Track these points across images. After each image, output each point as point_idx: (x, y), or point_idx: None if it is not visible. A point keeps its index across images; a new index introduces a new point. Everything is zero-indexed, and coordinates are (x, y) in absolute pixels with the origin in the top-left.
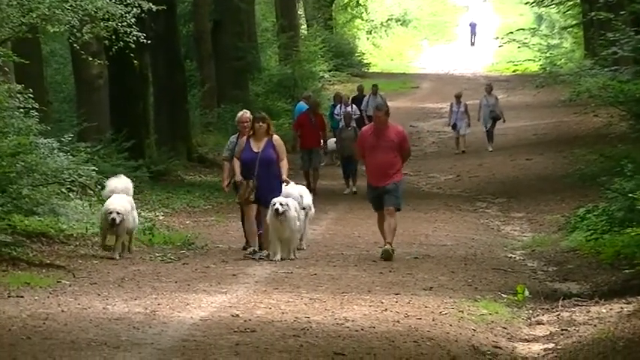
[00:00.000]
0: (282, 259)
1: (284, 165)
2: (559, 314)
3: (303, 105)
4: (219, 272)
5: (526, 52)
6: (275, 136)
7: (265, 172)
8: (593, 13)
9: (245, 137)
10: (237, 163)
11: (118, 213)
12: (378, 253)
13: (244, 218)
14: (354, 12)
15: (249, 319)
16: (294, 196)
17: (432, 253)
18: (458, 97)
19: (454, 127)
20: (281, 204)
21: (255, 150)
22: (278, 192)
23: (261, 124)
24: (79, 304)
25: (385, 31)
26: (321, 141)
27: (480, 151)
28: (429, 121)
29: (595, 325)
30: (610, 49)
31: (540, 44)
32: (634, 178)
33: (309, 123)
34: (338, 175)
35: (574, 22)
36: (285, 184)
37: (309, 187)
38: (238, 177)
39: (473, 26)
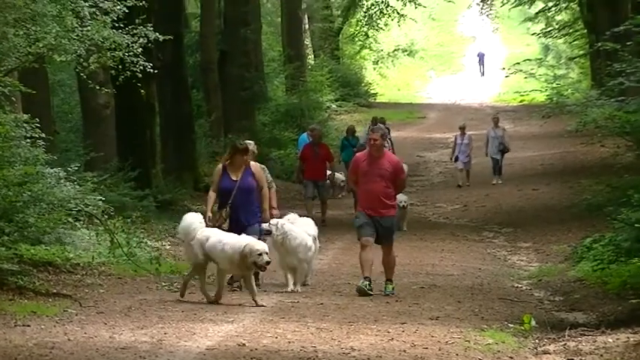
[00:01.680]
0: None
1: (265, 194)
2: (565, 344)
3: (305, 137)
4: (226, 301)
5: (533, 82)
6: (253, 163)
7: (244, 200)
8: (599, 44)
9: (220, 166)
10: (211, 197)
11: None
12: (382, 285)
13: None
14: (363, 43)
15: (256, 349)
16: (300, 223)
17: (438, 282)
18: (462, 129)
19: (456, 159)
20: (270, 224)
21: (234, 178)
22: (255, 219)
23: (245, 157)
24: (85, 333)
25: (392, 61)
26: (327, 172)
27: (487, 181)
28: (435, 151)
29: (601, 355)
30: (617, 80)
31: (547, 75)
32: None
33: (313, 155)
34: (344, 204)
35: (581, 53)
36: (262, 220)
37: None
38: (209, 212)
39: (481, 56)
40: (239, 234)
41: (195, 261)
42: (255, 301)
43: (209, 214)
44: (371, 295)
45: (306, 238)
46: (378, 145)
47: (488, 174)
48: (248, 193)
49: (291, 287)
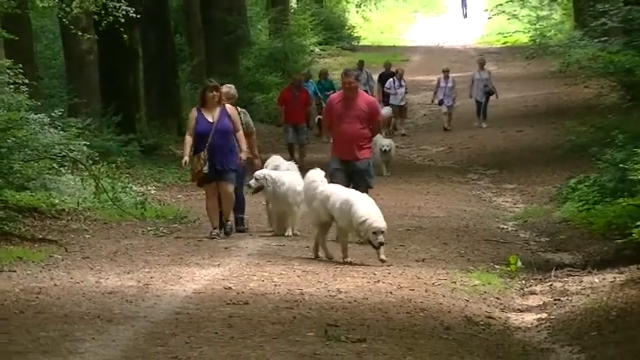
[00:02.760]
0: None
1: (241, 137)
2: (552, 284)
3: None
4: (212, 245)
5: (516, 23)
6: (228, 105)
7: (221, 143)
8: None
9: (194, 110)
10: (188, 140)
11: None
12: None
13: (206, 196)
14: None
15: (242, 292)
16: (283, 167)
17: (424, 224)
18: (446, 72)
19: (440, 102)
20: (256, 179)
21: (210, 120)
22: (234, 164)
23: (214, 93)
24: (71, 278)
25: (375, 4)
26: (307, 117)
27: (470, 123)
28: (419, 94)
29: (588, 295)
30: (600, 20)
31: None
32: (625, 149)
33: (293, 98)
34: (324, 148)
35: None
36: (241, 160)
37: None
38: (186, 156)
39: None
40: (217, 178)
41: (319, 220)
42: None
43: (185, 158)
44: None
45: (294, 183)
46: (354, 87)
47: (472, 116)
48: (225, 135)
49: (289, 232)
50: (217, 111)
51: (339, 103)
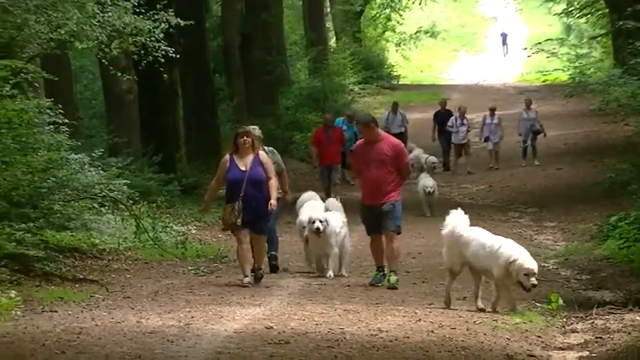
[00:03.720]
0: (325, 276)
1: (273, 185)
2: (593, 322)
3: (340, 121)
4: (253, 285)
5: (555, 62)
6: (261, 152)
7: (254, 193)
8: (621, 22)
9: (227, 155)
10: (213, 187)
11: None
12: (409, 266)
13: (237, 242)
14: (385, 25)
15: (283, 331)
16: (336, 207)
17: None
18: (492, 110)
19: (486, 139)
20: (320, 221)
21: (243, 168)
22: (267, 215)
23: (245, 138)
24: (112, 318)
25: (414, 43)
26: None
27: (511, 161)
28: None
29: (629, 333)
30: (639, 58)
31: (569, 54)
32: None
33: (327, 139)
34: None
35: (603, 32)
36: (271, 207)
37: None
38: (203, 209)
39: (504, 37)
40: (250, 226)
41: (452, 267)
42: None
43: (204, 205)
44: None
45: (334, 224)
46: (371, 133)
47: (513, 154)
48: (259, 185)
49: (329, 274)
50: (250, 158)
51: (363, 148)
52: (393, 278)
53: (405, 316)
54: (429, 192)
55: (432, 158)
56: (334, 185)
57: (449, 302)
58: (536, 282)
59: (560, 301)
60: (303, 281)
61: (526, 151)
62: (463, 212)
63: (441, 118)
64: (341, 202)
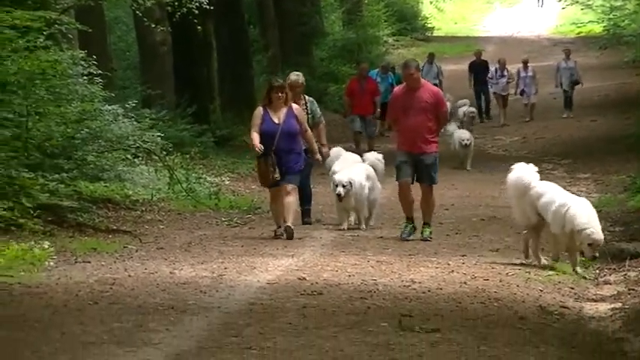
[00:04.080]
0: (348, 228)
1: (310, 137)
2: (626, 274)
3: (374, 73)
4: (275, 226)
5: (589, 14)
6: (294, 105)
7: (287, 146)
8: None
9: (260, 108)
10: (255, 137)
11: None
12: (442, 217)
13: (270, 198)
14: None
15: (316, 282)
16: (370, 161)
17: (498, 214)
18: (525, 62)
19: (522, 93)
20: (343, 185)
21: (276, 121)
22: (300, 167)
23: (279, 94)
24: (145, 269)
25: None
26: (374, 107)
27: (545, 112)
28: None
29: None
30: None
31: (604, 6)
32: None
33: (360, 89)
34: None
35: None
36: (324, 152)
37: (357, 152)
38: (258, 149)
39: None
40: (282, 179)
41: (528, 222)
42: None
43: (259, 145)
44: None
45: (359, 179)
46: (415, 78)
47: (547, 106)
48: (292, 137)
49: (362, 226)
50: (284, 111)
51: (402, 95)
52: (427, 231)
53: (437, 268)
54: (466, 144)
55: (471, 109)
56: (371, 138)
57: (526, 253)
58: (597, 254)
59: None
60: (336, 233)
61: (567, 100)
62: (532, 165)
63: (477, 68)
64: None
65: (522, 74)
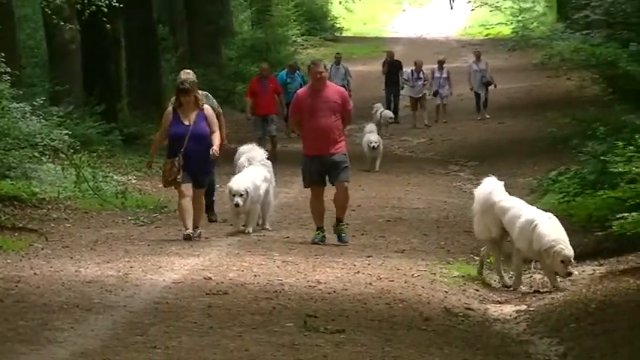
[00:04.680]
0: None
1: (217, 137)
2: (531, 276)
3: (283, 75)
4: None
5: (499, 15)
6: (206, 107)
7: (197, 148)
8: None
9: (170, 109)
10: (157, 139)
11: None
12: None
13: (179, 196)
14: None
15: (222, 282)
16: (258, 158)
17: (404, 216)
18: (441, 63)
19: (435, 94)
20: (240, 194)
21: (186, 123)
22: (209, 169)
23: (187, 97)
24: (51, 267)
25: None
26: (279, 107)
27: (453, 114)
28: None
29: (567, 288)
30: (582, 13)
31: (512, 8)
32: (606, 141)
33: (262, 89)
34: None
35: None
36: (213, 155)
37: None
38: (152, 155)
39: None
40: (191, 181)
41: (488, 236)
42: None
43: (150, 159)
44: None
45: (255, 180)
46: (324, 77)
47: (456, 108)
48: (202, 140)
49: (248, 229)
50: (195, 113)
51: (308, 97)
52: (342, 228)
53: (343, 269)
54: (374, 147)
55: (388, 112)
56: (272, 137)
57: (480, 271)
58: (573, 271)
59: None
60: (242, 233)
61: (479, 103)
62: (498, 181)
63: (390, 68)
64: (270, 157)
65: (437, 75)
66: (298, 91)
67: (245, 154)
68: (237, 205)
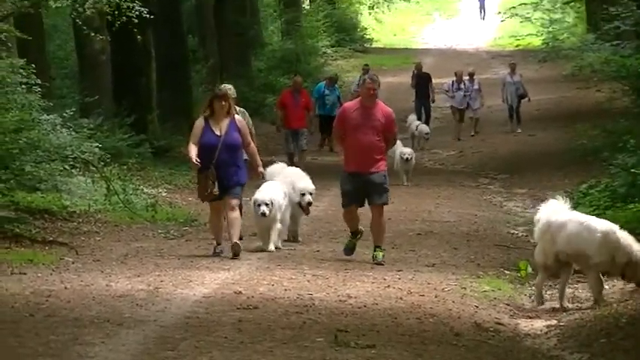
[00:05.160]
0: (267, 250)
1: (254, 150)
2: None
3: (322, 85)
4: (215, 243)
5: (529, 26)
6: (237, 117)
7: (228, 159)
8: None
9: (201, 119)
10: (193, 149)
11: None
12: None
13: (210, 214)
14: None
15: (252, 296)
16: (276, 176)
17: (434, 229)
18: (471, 75)
19: (467, 106)
20: (266, 204)
21: (218, 133)
22: (242, 180)
23: (223, 102)
24: (81, 281)
25: (388, 6)
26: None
27: (483, 126)
28: None
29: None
30: (612, 24)
31: (543, 19)
32: (636, 154)
33: (294, 102)
34: (324, 151)
35: None
36: (260, 177)
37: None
38: (195, 164)
39: (482, 1)
40: (224, 193)
41: (544, 261)
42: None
43: (195, 158)
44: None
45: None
46: (373, 95)
47: (485, 120)
48: (234, 150)
49: (270, 247)
50: (226, 123)
51: (355, 111)
52: (380, 254)
53: (373, 283)
54: (407, 159)
55: (425, 128)
56: (302, 151)
57: (540, 301)
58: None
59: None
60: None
61: (512, 115)
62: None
63: (418, 81)
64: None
65: (468, 86)
66: (345, 105)
67: (276, 173)
68: (263, 214)
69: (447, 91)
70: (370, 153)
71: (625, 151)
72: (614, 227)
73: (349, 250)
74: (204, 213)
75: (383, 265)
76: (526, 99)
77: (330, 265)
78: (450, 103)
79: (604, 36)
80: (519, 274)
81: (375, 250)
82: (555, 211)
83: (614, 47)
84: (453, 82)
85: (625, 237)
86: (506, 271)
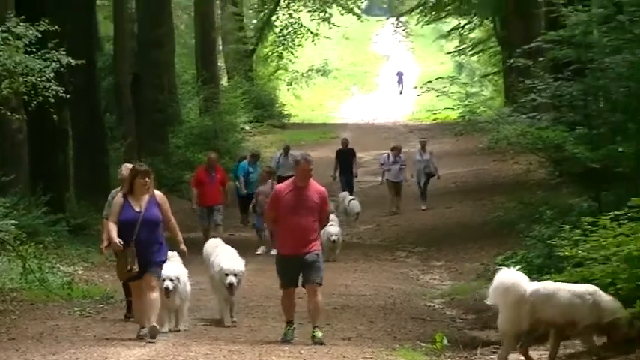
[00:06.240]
0: (170, 331)
1: (174, 225)
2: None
3: (245, 165)
4: (138, 326)
5: (445, 100)
6: (157, 192)
7: (148, 236)
8: (512, 60)
9: (121, 194)
10: (112, 227)
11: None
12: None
13: (133, 295)
14: (277, 63)
15: None
16: (211, 252)
17: (351, 302)
18: (398, 149)
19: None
20: (171, 279)
21: (137, 209)
22: (161, 258)
23: (146, 179)
24: None
25: (306, 81)
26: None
27: (402, 201)
28: None
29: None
30: (529, 96)
31: (459, 92)
32: (552, 225)
33: (209, 179)
34: (240, 226)
35: (494, 70)
36: (182, 252)
37: None
38: (115, 244)
39: (400, 75)
40: (143, 272)
41: (517, 328)
42: None
43: (112, 240)
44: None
45: (184, 277)
46: (308, 176)
47: (403, 194)
48: (154, 227)
49: (181, 327)
50: (146, 199)
51: (289, 194)
52: (319, 334)
53: (289, 357)
54: (334, 240)
55: (356, 206)
56: (217, 226)
57: None
58: None
59: (445, 341)
60: (188, 322)
61: (422, 193)
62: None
63: (343, 156)
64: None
65: (391, 161)
66: (277, 186)
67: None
68: (167, 289)
69: (383, 164)
70: (306, 235)
71: (541, 222)
72: (596, 288)
73: (289, 338)
74: (120, 290)
75: (324, 344)
76: (435, 177)
77: (246, 340)
78: (386, 176)
79: (520, 108)
80: (435, 346)
81: (313, 330)
82: (520, 280)
83: (530, 119)
84: (388, 155)
85: (605, 296)
86: (422, 344)
